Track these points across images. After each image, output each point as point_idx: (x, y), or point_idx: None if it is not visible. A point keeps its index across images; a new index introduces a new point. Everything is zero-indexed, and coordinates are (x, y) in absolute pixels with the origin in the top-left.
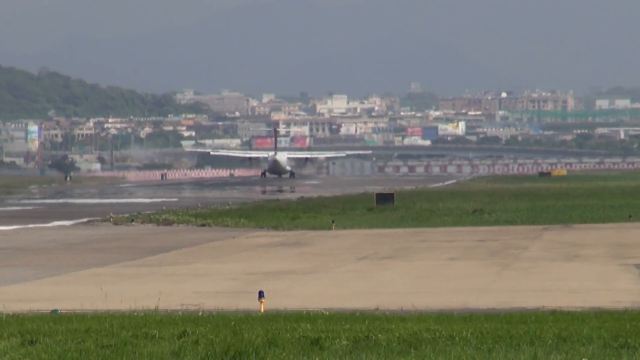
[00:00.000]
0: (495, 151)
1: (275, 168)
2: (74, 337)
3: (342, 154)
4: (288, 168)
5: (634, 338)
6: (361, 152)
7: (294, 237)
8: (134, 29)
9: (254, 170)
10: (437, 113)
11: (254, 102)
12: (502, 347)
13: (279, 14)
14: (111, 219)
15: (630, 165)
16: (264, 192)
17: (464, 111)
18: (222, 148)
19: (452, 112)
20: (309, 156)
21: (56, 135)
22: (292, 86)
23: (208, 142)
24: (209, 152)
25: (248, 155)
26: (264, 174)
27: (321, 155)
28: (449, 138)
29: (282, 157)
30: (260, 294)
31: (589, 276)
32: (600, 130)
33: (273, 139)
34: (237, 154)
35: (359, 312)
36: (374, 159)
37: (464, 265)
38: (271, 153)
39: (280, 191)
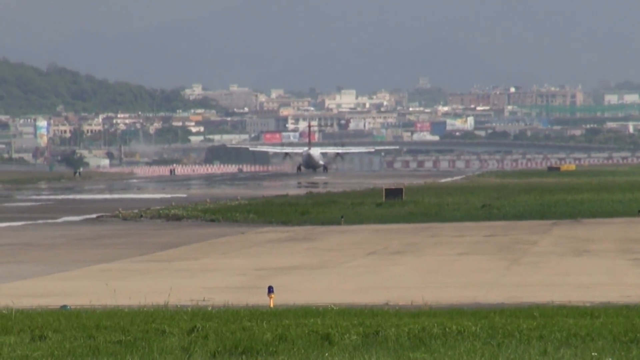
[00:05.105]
0: (504, 146)
1: (309, 162)
2: (84, 332)
3: (371, 149)
4: (321, 162)
5: None
6: (390, 147)
7: (303, 232)
8: (142, 24)
9: (288, 164)
10: (446, 108)
11: (262, 98)
12: (512, 341)
13: (287, 9)
14: (120, 215)
15: (639, 160)
16: (299, 185)
17: (472, 106)
18: (232, 143)
19: (460, 107)
20: (340, 151)
21: (65, 131)
22: (301, 81)
23: (217, 137)
24: (247, 148)
25: (285, 151)
26: (299, 168)
27: (352, 150)
28: (457, 133)
29: (316, 152)
30: (270, 289)
31: (598, 271)
32: (609, 125)
33: (307, 134)
34: (274, 150)
35: (368, 307)
36: (383, 154)
37: (474, 260)
38: (305, 148)
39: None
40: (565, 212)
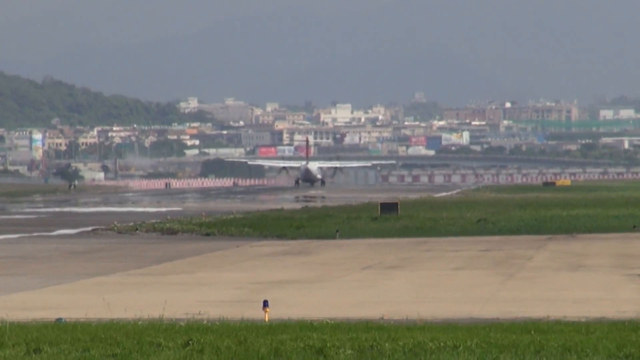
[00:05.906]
0: (500, 161)
1: (307, 176)
2: (79, 346)
3: (368, 163)
4: (319, 176)
5: (638, 348)
6: (387, 162)
7: (298, 246)
8: (138, 37)
9: (283, 178)
10: (441, 123)
11: (258, 111)
12: (507, 356)
13: (282, 23)
14: (115, 228)
15: (634, 175)
16: (296, 199)
17: (467, 121)
18: (228, 156)
19: (456, 121)
20: (338, 165)
21: (60, 144)
22: (296, 95)
23: (212, 150)
24: (245, 162)
25: (283, 165)
26: (297, 182)
27: (350, 164)
28: (453, 148)
29: (314, 166)
30: (265, 303)
31: (594, 286)
32: (604, 140)
33: (305, 149)
34: (272, 164)
35: (363, 321)
36: (378, 168)
37: (469, 275)
38: (303, 162)
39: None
40: (560, 227)
